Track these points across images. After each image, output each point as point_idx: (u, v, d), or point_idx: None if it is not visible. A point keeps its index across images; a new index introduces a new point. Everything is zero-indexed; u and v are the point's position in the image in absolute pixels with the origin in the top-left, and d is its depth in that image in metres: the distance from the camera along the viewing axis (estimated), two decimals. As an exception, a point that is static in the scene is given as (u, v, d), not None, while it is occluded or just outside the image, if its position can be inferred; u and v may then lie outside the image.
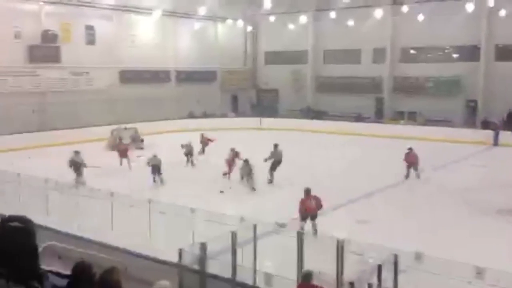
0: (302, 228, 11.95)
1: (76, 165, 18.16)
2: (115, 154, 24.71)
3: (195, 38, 38.24)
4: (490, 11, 31.71)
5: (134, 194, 12.12)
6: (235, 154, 19.79)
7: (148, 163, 19.03)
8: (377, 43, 36.43)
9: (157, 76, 35.89)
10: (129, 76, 33.83)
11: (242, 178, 18.36)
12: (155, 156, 19.04)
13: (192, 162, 22.37)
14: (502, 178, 19.69)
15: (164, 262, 9.10)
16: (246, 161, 18.31)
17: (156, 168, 18.80)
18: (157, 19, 35.05)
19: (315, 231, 12.51)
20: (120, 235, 10.61)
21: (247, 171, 18.09)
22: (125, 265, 5.98)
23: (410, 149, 20.37)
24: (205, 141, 24.80)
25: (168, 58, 36.47)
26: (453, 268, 6.91)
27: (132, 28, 34.55)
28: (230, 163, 19.53)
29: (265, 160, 19.10)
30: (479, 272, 6.55)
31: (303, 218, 12.80)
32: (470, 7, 31.02)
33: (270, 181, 18.98)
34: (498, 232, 13.26)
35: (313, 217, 12.77)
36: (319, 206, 12.91)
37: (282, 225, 11.48)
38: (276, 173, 19.35)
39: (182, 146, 22.42)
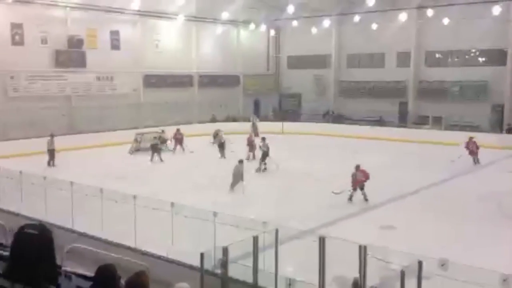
0: (351, 196, 16.29)
1: (155, 147, 24.72)
2: (137, 157, 25.15)
3: (218, 42, 38.48)
4: (517, 14, 31.17)
5: (157, 197, 12.20)
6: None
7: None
8: (401, 47, 36.10)
9: (180, 81, 36.22)
10: (153, 81, 34.22)
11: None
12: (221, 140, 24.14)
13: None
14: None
15: (186, 266, 9.14)
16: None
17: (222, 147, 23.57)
18: (180, 24, 35.38)
19: (365, 199, 16.27)
20: (143, 238, 10.70)
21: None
22: (147, 267, 6.04)
23: (471, 137, 23.63)
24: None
25: (191, 62, 36.77)
26: (479, 276, 6.78)
27: (156, 33, 34.95)
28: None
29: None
30: (505, 279, 6.40)
31: (354, 188, 16.24)
32: (496, 10, 30.49)
33: (264, 170, 21.50)
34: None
35: (361, 187, 16.31)
36: (367, 177, 16.29)
37: (337, 193, 16.13)
38: (303, 178, 19.52)
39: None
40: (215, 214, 9.72)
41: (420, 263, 7.09)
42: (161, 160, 24.49)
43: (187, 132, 30.69)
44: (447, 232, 13.36)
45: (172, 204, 10.31)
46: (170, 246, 10.16)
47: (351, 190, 16.41)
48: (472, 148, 23.20)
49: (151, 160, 24.40)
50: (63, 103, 29.86)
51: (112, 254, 8.11)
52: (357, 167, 16.62)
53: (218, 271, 8.06)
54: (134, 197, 11.09)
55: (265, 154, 21.87)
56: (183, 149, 26.74)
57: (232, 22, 38.30)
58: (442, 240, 12.49)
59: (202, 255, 7.87)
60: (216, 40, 38.42)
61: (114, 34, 32.31)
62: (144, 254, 9.69)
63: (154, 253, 9.89)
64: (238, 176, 17.81)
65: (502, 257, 11.09)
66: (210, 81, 37.68)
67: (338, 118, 37.97)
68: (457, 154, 22.90)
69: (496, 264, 8.35)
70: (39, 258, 3.37)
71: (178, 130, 27.45)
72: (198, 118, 35.67)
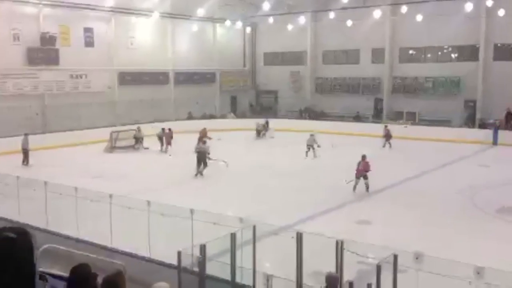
0: (355, 186, 17.13)
1: (138, 139, 26.93)
2: (113, 155, 24.91)
3: (194, 39, 38.27)
4: (488, 10, 31.69)
5: (134, 195, 12.11)
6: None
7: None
8: (376, 43, 36.43)
9: (156, 78, 35.92)
10: (128, 78, 33.86)
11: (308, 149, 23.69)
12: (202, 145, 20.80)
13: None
14: (501, 177, 19.73)
15: (163, 264, 9.09)
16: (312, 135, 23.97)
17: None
18: (155, 20, 35.08)
19: (366, 187, 17.13)
20: (119, 237, 10.60)
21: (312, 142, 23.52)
22: (123, 266, 5.98)
23: (386, 126, 28.69)
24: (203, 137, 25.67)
25: (167, 59, 36.49)
26: (453, 268, 6.91)
27: (131, 30, 34.55)
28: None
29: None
30: (479, 272, 6.53)
31: (357, 177, 17.05)
32: (468, 6, 30.99)
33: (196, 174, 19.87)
34: (497, 231, 13.26)
35: (364, 177, 17.03)
36: (366, 169, 17.05)
37: (349, 182, 17.14)
38: (281, 174, 19.61)
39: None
40: (192, 211, 9.68)
41: (395, 257, 7.19)
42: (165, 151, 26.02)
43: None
44: (422, 226, 13.57)
45: (149, 203, 10.23)
46: (147, 245, 10.10)
47: (354, 180, 17.17)
48: (387, 134, 27.63)
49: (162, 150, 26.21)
50: (36, 102, 29.31)
51: (88, 254, 8.00)
52: (363, 157, 17.37)
53: (196, 269, 8.04)
54: (110, 196, 10.97)
55: (199, 157, 20.16)
56: (167, 151, 26.17)
57: (208, 19, 38.12)
58: (417, 233, 12.69)
59: (179, 253, 7.84)
60: (191, 37, 38.20)
61: (88, 31, 31.85)
62: (121, 253, 9.61)
63: (130, 252, 9.82)
64: (202, 157, 19.73)
65: (476, 249, 11.31)
66: (186, 78, 37.48)
67: (310, 114, 38.17)
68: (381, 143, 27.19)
69: (470, 257, 8.53)
70: (14, 265, 3.25)
71: (170, 130, 26.88)
72: (174, 115, 35.45)
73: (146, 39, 35.30)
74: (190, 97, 36.84)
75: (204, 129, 26.73)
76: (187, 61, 37.40)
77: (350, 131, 32.22)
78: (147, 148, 26.97)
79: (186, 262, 8.06)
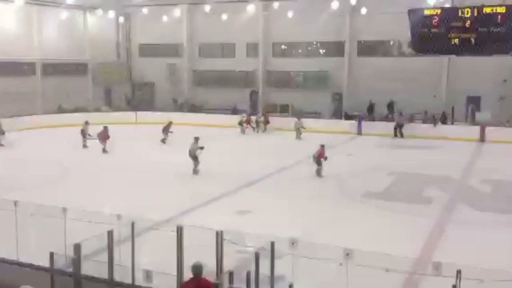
0: (320, 170, 18.92)
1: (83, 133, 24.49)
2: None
3: (63, 28, 36.19)
4: (352, 9, 33.94)
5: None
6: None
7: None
8: (250, 37, 37.28)
9: (21, 69, 33.42)
10: (-13, 69, 31.10)
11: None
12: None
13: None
14: (366, 165, 21.39)
15: (34, 267, 8.57)
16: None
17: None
18: (19, 7, 32.57)
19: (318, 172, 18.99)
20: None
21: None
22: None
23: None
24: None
25: (32, 49, 34.10)
26: (325, 251, 7.38)
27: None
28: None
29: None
30: (348, 254, 7.03)
31: (317, 164, 18.90)
32: (335, 4, 32.95)
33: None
34: (363, 214, 14.35)
35: (319, 163, 18.91)
36: (321, 156, 18.92)
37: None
38: (160, 169, 19.25)
39: None
40: (64, 210, 9.19)
41: (272, 244, 7.49)
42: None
43: (30, 124, 28.72)
44: (297, 213, 14.24)
45: (16, 203, 9.53)
46: (16, 248, 9.43)
47: (316, 167, 18.99)
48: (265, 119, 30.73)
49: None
50: None
51: None
52: (322, 146, 19.09)
53: (70, 269, 7.69)
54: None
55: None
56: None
57: (78, 7, 36.21)
58: (293, 220, 13.30)
59: (51, 254, 7.45)
60: (60, 26, 36.03)
61: None
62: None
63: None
64: (194, 157, 18.81)
65: (345, 233, 12.13)
66: (55, 69, 35.33)
67: (192, 107, 38.14)
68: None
69: (340, 240, 9.16)
70: None
71: (105, 128, 23.92)
72: (43, 109, 33.25)
73: (9, 26, 32.70)
74: (60, 89, 34.78)
75: (170, 122, 27.04)
76: (57, 50, 35.31)
77: (227, 124, 32.68)
78: (2, 145, 24.85)
79: (60, 264, 7.69)
